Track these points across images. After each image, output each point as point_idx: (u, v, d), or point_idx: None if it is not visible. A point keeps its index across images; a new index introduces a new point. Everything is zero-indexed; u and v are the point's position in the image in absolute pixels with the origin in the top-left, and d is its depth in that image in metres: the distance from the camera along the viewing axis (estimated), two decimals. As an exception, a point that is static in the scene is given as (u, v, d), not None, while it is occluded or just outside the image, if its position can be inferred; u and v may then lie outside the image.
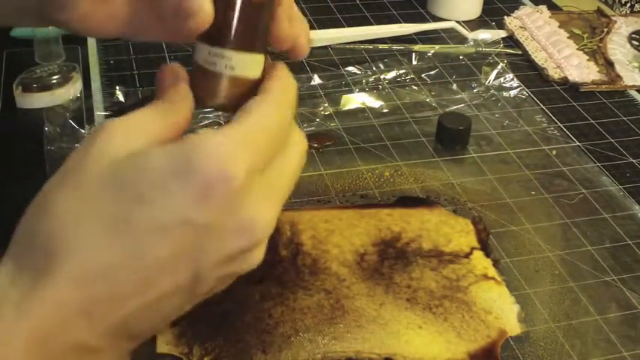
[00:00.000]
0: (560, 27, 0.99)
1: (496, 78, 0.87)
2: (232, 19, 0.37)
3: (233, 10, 0.37)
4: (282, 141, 0.37)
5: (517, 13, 1.03)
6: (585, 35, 0.98)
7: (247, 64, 0.38)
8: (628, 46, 0.97)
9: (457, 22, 0.99)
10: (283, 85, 0.38)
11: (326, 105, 0.81)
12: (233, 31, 0.37)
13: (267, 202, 0.35)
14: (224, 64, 0.37)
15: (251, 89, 0.38)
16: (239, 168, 0.33)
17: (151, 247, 0.33)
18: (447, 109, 0.81)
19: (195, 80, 0.38)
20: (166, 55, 0.88)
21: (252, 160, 0.34)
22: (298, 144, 0.38)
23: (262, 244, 0.36)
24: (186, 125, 0.37)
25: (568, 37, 0.96)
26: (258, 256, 0.36)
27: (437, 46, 0.94)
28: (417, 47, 0.94)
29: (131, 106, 0.75)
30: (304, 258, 0.59)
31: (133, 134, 0.35)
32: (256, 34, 0.38)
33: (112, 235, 0.32)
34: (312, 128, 0.77)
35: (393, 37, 0.96)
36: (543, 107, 0.84)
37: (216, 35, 0.37)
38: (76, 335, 0.33)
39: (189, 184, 0.32)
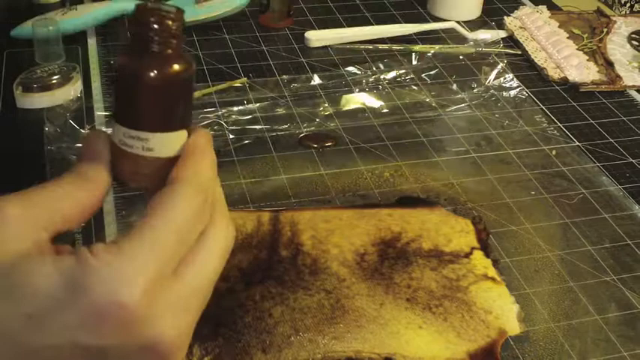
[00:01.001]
0: (559, 27, 0.99)
1: (496, 78, 0.87)
2: (146, 102, 0.34)
3: (146, 92, 0.34)
4: (194, 239, 0.35)
5: (517, 13, 1.03)
6: (585, 35, 0.98)
7: (166, 144, 0.35)
8: (628, 46, 0.97)
9: (457, 22, 0.99)
10: (193, 171, 0.35)
11: (326, 105, 0.81)
12: (148, 114, 0.35)
13: (178, 312, 0.33)
14: (141, 145, 0.35)
15: (173, 167, 0.36)
16: (134, 292, 0.31)
17: None
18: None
19: (115, 159, 0.36)
20: (166, 55, 0.88)
21: (153, 275, 0.32)
22: (219, 236, 0.36)
23: (177, 353, 0.34)
24: (97, 205, 0.35)
25: (568, 37, 0.96)
26: None
27: (437, 47, 0.94)
28: (417, 47, 0.94)
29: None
30: (304, 258, 0.59)
31: (32, 220, 0.33)
32: (173, 113, 0.35)
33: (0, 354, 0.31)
34: (312, 128, 0.77)
35: (393, 37, 0.96)
36: (543, 107, 0.84)
37: (130, 118, 0.35)
38: None
39: (79, 311, 0.31)
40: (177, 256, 0.34)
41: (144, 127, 0.35)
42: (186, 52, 0.35)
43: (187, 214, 0.34)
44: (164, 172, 0.35)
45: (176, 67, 0.34)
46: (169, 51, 0.34)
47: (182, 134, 0.36)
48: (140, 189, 0.37)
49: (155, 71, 0.34)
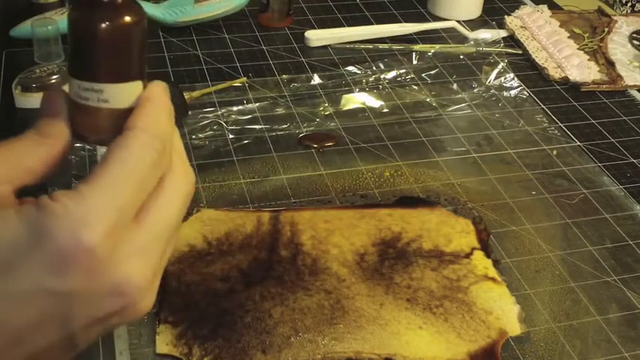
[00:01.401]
0: (560, 26, 0.99)
1: (496, 78, 0.87)
2: (97, 52, 0.35)
3: (96, 42, 0.35)
4: (153, 185, 0.35)
5: (517, 12, 1.03)
6: (586, 35, 0.98)
7: (121, 95, 0.36)
8: (629, 45, 0.97)
9: (457, 21, 0.99)
10: (150, 119, 0.36)
11: (326, 105, 0.81)
12: (100, 65, 0.35)
13: (141, 257, 0.34)
14: (96, 97, 0.35)
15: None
16: (95, 234, 0.32)
17: (12, 314, 0.32)
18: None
19: (72, 113, 0.36)
20: (166, 54, 0.88)
21: (113, 219, 0.33)
22: (178, 182, 0.36)
23: (145, 298, 0.35)
24: (60, 159, 0.36)
25: (569, 37, 0.96)
26: (142, 308, 0.35)
27: (437, 46, 0.93)
28: (417, 47, 0.93)
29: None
30: (304, 258, 0.59)
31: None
32: (126, 62, 0.36)
33: None
34: (312, 128, 0.77)
35: (394, 36, 0.96)
36: (544, 107, 0.84)
37: (84, 69, 0.35)
38: None
39: (44, 256, 0.32)
40: (137, 200, 0.34)
41: (97, 78, 0.35)
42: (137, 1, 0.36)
43: (144, 159, 0.34)
44: (121, 124, 0.35)
45: (127, 16, 0.35)
46: (119, 0, 0.35)
47: (137, 85, 0.36)
48: (99, 143, 0.37)
49: (106, 21, 0.34)
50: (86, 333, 0.34)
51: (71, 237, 0.32)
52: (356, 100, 0.82)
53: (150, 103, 0.36)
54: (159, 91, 0.37)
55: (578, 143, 0.78)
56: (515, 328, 0.55)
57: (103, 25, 0.34)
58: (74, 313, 0.33)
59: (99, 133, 0.36)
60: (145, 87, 0.37)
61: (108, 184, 0.33)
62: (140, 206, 0.35)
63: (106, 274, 0.33)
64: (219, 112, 0.78)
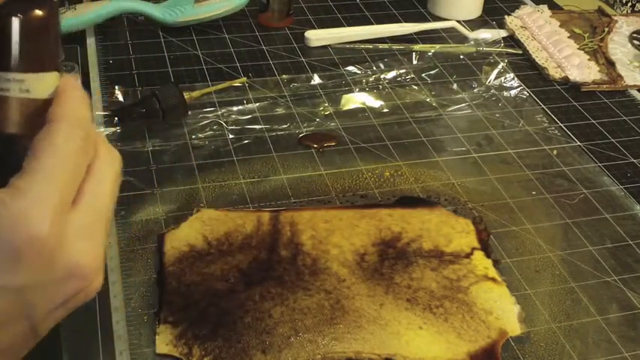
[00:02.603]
0: (560, 26, 0.99)
1: (497, 78, 0.87)
2: (16, 41, 0.36)
3: (13, 31, 0.35)
4: (83, 171, 0.36)
5: (518, 12, 1.03)
6: (586, 35, 0.98)
7: (41, 84, 0.37)
8: (629, 45, 0.97)
9: (458, 21, 0.99)
10: (70, 109, 0.37)
11: (326, 105, 0.81)
12: (23, 55, 0.36)
13: (87, 237, 0.35)
14: (18, 87, 0.36)
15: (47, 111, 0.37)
16: (43, 224, 0.33)
17: None
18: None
19: None
20: (165, 54, 0.88)
21: (55, 207, 0.33)
22: (106, 163, 0.38)
23: (98, 276, 0.36)
24: None
25: (569, 37, 0.96)
26: (96, 286, 0.36)
27: (437, 46, 0.93)
28: (417, 47, 0.93)
29: (130, 105, 0.75)
30: (304, 258, 0.59)
31: None
32: (46, 53, 0.37)
33: None
34: (312, 128, 0.77)
35: (394, 36, 0.96)
36: (544, 107, 0.84)
37: (5, 61, 0.36)
38: None
39: None
40: (72, 187, 0.35)
41: (19, 68, 0.36)
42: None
43: (71, 147, 0.35)
44: (42, 114, 0.36)
45: (43, 7, 0.36)
46: None
47: (55, 76, 0.38)
48: (20, 136, 0.37)
49: (26, 12, 0.35)
50: (49, 320, 0.35)
51: (17, 232, 0.32)
52: (356, 100, 0.82)
53: (66, 93, 0.37)
54: (72, 81, 0.38)
55: (579, 143, 0.78)
56: (515, 328, 0.55)
57: (23, 16, 0.35)
58: (35, 303, 0.34)
59: (21, 124, 0.37)
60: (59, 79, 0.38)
61: (42, 175, 0.34)
62: (75, 192, 0.35)
63: (59, 260, 0.34)
64: (219, 112, 0.78)
